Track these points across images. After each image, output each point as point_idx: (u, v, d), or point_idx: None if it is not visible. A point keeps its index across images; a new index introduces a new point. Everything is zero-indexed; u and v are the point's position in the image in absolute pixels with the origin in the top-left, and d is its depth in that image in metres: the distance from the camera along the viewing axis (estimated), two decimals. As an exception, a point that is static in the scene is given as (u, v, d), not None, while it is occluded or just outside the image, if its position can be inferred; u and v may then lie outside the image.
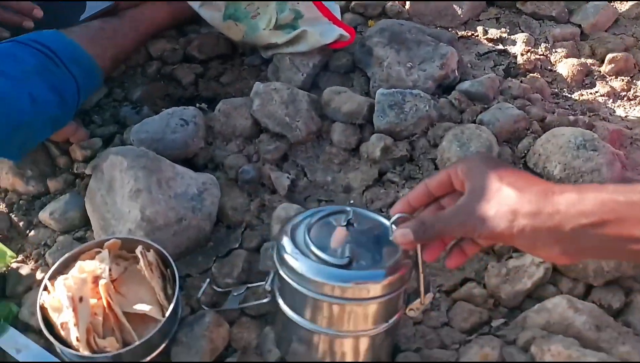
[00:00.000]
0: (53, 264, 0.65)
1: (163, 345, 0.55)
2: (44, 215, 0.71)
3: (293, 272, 0.48)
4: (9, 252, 0.63)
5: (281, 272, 0.49)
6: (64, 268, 0.57)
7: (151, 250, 0.58)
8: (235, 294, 0.60)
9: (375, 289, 0.47)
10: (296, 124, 0.79)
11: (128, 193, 0.63)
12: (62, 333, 0.52)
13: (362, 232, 0.52)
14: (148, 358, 0.54)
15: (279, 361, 0.54)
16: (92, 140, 0.80)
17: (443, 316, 0.61)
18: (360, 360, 0.52)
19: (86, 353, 0.51)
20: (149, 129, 0.75)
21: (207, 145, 0.80)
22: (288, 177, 0.76)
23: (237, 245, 0.68)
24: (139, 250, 0.58)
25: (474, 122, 0.79)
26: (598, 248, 0.41)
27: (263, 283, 0.55)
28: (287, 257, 0.49)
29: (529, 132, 0.79)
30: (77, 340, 0.51)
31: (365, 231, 0.52)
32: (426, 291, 0.50)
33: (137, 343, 0.52)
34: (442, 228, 0.46)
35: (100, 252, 0.57)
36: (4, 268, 0.63)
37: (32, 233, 0.72)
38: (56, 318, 0.53)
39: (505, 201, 0.42)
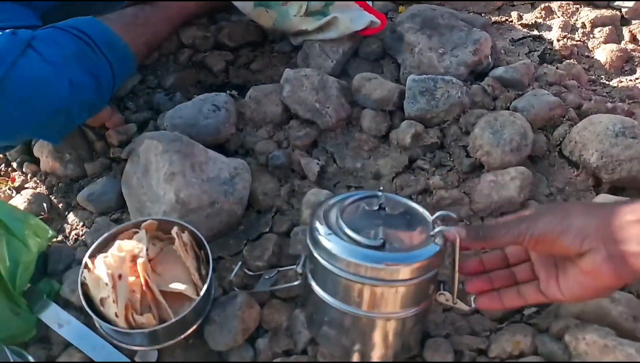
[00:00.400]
0: (92, 244, 0.68)
1: (197, 324, 0.57)
2: (81, 198, 0.73)
3: (326, 253, 0.49)
4: (51, 231, 0.65)
5: (314, 254, 0.50)
6: (103, 247, 0.59)
7: (186, 232, 0.60)
8: (266, 277, 0.61)
9: (407, 271, 0.47)
10: (326, 110, 0.79)
11: (163, 176, 0.65)
12: (102, 309, 0.54)
13: (394, 217, 0.52)
14: (182, 336, 0.56)
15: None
16: (127, 125, 0.82)
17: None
18: (390, 343, 0.52)
19: (124, 328, 0.53)
20: (183, 115, 0.77)
21: (237, 131, 0.81)
22: (318, 163, 0.76)
23: (267, 229, 0.69)
24: (174, 230, 0.59)
25: (508, 109, 0.78)
26: None
27: (294, 266, 0.56)
28: (320, 239, 0.49)
29: (564, 119, 0.77)
30: (116, 315, 0.53)
31: (397, 216, 0.53)
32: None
33: (173, 320, 0.53)
34: (496, 231, 0.48)
35: (137, 232, 0.59)
36: (46, 245, 0.66)
37: (71, 214, 0.74)
38: (96, 295, 0.55)
39: (575, 220, 0.44)
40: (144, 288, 0.55)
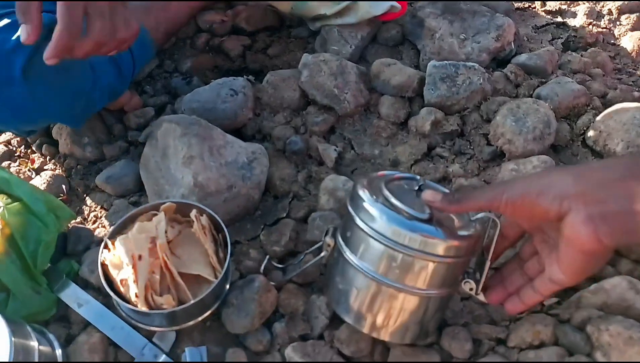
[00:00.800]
0: (111, 225, 0.69)
1: (215, 306, 0.57)
2: (100, 180, 0.74)
3: (370, 218, 0.49)
4: (70, 212, 0.66)
5: (356, 219, 0.50)
6: (122, 229, 0.59)
7: (204, 215, 0.59)
8: (294, 263, 0.62)
9: (448, 247, 0.48)
10: (344, 96, 0.78)
11: (181, 159, 0.65)
12: (122, 289, 0.55)
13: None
14: (200, 318, 0.56)
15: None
16: (145, 109, 0.82)
17: (492, 292, 0.60)
18: (409, 322, 0.52)
19: (143, 308, 0.53)
20: (200, 99, 0.76)
21: (255, 116, 0.81)
22: (335, 149, 0.76)
23: (284, 215, 0.68)
24: (193, 213, 0.59)
25: (530, 96, 0.76)
26: None
27: (319, 243, 0.56)
28: (365, 205, 0.49)
29: (589, 108, 0.76)
30: (136, 296, 0.53)
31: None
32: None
33: (192, 302, 0.54)
34: (471, 193, 0.47)
35: (156, 214, 0.59)
36: (66, 226, 0.66)
37: (89, 196, 0.75)
38: (116, 275, 0.55)
39: (554, 180, 0.42)
40: (163, 269, 0.55)
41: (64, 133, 0.81)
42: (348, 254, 0.52)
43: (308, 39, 0.95)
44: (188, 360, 0.54)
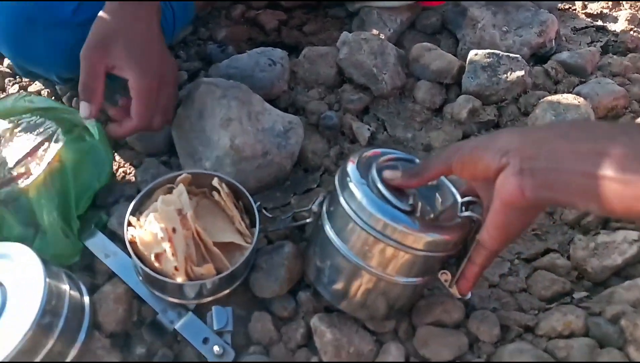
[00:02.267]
0: (141, 182, 0.68)
1: (247, 272, 0.56)
2: (131, 137, 0.73)
3: (353, 200, 0.48)
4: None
5: (340, 197, 0.49)
6: (140, 206, 0.57)
7: (223, 183, 0.59)
8: (283, 218, 0.61)
9: (421, 240, 0.46)
10: (383, 76, 0.77)
11: (219, 121, 0.64)
12: (157, 265, 0.53)
13: (427, 188, 0.51)
14: (235, 285, 0.56)
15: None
16: (179, 72, 0.81)
17: (522, 282, 0.60)
18: (378, 304, 0.52)
19: (187, 281, 0.52)
20: (239, 66, 0.76)
21: (289, 89, 0.80)
22: (369, 129, 0.75)
23: (315, 186, 0.68)
24: (215, 181, 0.58)
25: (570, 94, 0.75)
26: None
27: (309, 206, 0.55)
28: (351, 184, 0.48)
29: (627, 111, 0.75)
30: (176, 269, 0.52)
31: (430, 188, 0.52)
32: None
33: (232, 267, 0.53)
34: (429, 161, 0.47)
35: (171, 188, 0.58)
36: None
37: (118, 153, 0.74)
38: (149, 251, 0.53)
39: (501, 136, 0.42)
40: (197, 240, 0.54)
41: (95, 88, 0.80)
42: (328, 228, 0.51)
43: (345, 19, 0.95)
44: (214, 318, 0.54)
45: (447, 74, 0.78)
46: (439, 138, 0.75)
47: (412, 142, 0.76)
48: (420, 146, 0.75)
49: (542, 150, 0.39)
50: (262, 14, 0.96)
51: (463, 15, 0.85)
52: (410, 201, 0.48)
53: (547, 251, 0.63)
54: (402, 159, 0.53)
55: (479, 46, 0.82)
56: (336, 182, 0.51)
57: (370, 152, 0.53)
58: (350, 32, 0.89)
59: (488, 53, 0.76)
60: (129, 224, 0.55)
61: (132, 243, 0.54)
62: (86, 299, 0.53)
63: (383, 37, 0.81)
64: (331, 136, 0.75)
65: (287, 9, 0.97)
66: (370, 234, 0.47)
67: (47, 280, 0.47)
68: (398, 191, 0.49)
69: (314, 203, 0.55)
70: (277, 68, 0.77)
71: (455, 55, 0.86)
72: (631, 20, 0.93)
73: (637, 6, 0.96)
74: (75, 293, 0.52)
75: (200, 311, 0.57)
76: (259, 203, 0.59)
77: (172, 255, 0.52)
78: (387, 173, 0.49)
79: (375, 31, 0.86)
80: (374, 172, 0.49)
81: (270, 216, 0.60)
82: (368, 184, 0.48)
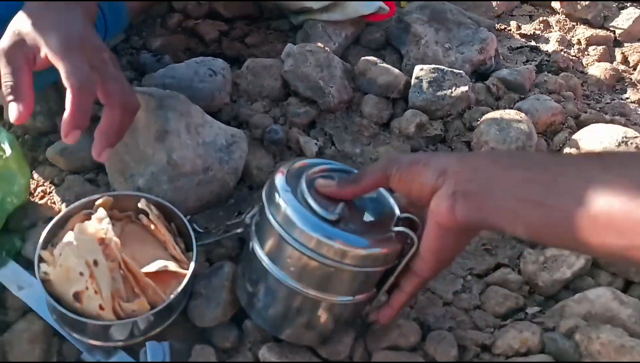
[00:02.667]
0: (62, 202, 0.61)
1: (184, 303, 0.51)
2: (52, 152, 0.65)
3: (275, 207, 0.45)
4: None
5: (265, 203, 0.46)
6: (52, 237, 0.50)
7: (151, 205, 0.53)
8: (213, 231, 0.56)
9: (340, 252, 0.43)
10: (329, 89, 0.75)
11: (154, 133, 0.59)
12: (78, 305, 0.46)
13: (362, 199, 0.49)
14: (171, 320, 0.50)
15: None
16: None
17: (475, 299, 0.59)
18: (303, 321, 0.48)
19: (111, 320, 0.46)
20: (176, 75, 0.70)
21: (231, 102, 0.76)
22: (316, 143, 0.72)
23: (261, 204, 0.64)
24: (142, 203, 0.53)
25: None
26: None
27: (242, 217, 0.52)
28: (275, 193, 0.45)
29: (564, 126, 0.78)
30: (101, 308, 0.45)
31: (365, 199, 0.49)
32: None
33: (171, 297, 0.47)
34: (365, 170, 0.46)
35: (88, 214, 0.52)
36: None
37: (37, 170, 0.66)
38: (66, 290, 0.46)
39: (440, 157, 0.43)
40: (124, 272, 0.47)
41: (10, 98, 0.72)
42: (254, 242, 0.47)
43: (288, 32, 0.93)
44: (149, 356, 0.47)
45: (394, 89, 0.77)
46: (387, 152, 0.74)
47: (360, 157, 0.74)
48: (369, 160, 0.73)
49: (478, 174, 0.40)
50: (201, 23, 0.91)
51: (406, 31, 0.86)
52: (338, 211, 0.45)
53: (498, 266, 0.62)
54: (338, 170, 0.50)
55: (423, 62, 0.82)
56: (263, 193, 0.47)
57: (301, 162, 0.50)
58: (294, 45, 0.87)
59: (433, 68, 0.76)
60: (41, 259, 0.48)
61: (46, 282, 0.47)
62: None
63: (329, 50, 0.79)
64: (277, 150, 0.71)
65: (227, 19, 0.93)
66: (290, 244, 0.44)
67: None
68: (329, 201, 0.46)
69: (247, 213, 0.51)
70: (218, 79, 0.72)
71: (400, 70, 0.86)
72: (561, 41, 0.98)
73: (565, 28, 1.02)
74: None
75: (132, 348, 0.50)
76: (188, 216, 0.54)
77: (95, 292, 0.45)
78: (320, 181, 0.47)
79: (320, 44, 0.84)
80: (302, 181, 0.46)
81: (201, 230, 0.55)
82: (294, 193, 0.45)
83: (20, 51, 0.49)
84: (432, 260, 0.44)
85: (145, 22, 0.91)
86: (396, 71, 0.78)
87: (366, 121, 0.77)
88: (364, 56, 0.87)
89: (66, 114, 0.47)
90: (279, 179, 0.46)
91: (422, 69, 0.77)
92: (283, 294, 0.47)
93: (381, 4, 0.85)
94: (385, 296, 0.50)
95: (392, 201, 0.50)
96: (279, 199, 0.45)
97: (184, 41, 0.89)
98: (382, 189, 0.50)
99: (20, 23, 0.51)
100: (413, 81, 0.76)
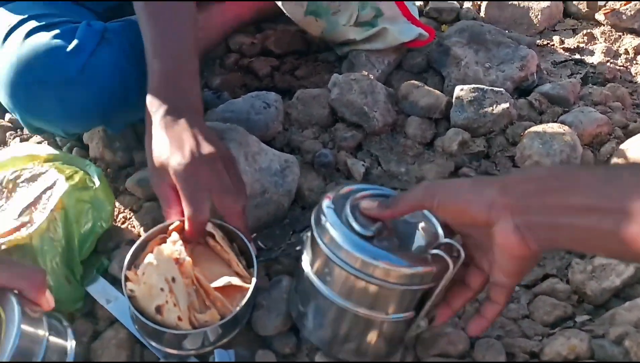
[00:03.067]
0: (141, 226, 0.69)
1: (248, 315, 0.56)
2: (131, 182, 0.74)
3: (319, 225, 0.49)
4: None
5: (314, 230, 0.50)
6: (134, 259, 0.57)
7: (216, 228, 0.59)
8: (276, 248, 0.61)
9: (380, 270, 0.46)
10: (374, 114, 0.80)
11: (217, 162, 0.66)
12: (159, 317, 0.52)
13: (405, 222, 0.51)
14: (237, 330, 0.55)
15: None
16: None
17: (523, 309, 0.60)
18: (357, 338, 0.51)
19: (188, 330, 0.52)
20: (234, 109, 0.78)
21: (284, 130, 0.83)
22: (363, 164, 0.77)
23: (314, 223, 0.69)
24: (210, 226, 0.58)
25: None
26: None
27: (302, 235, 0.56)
28: (322, 217, 0.49)
29: (611, 137, 0.78)
30: (179, 319, 0.51)
31: (409, 223, 0.51)
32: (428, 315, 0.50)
33: (237, 308, 0.53)
34: (403, 195, 0.49)
35: (164, 237, 0.58)
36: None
37: (118, 199, 0.75)
38: (149, 305, 0.52)
39: (482, 189, 0.44)
40: (197, 287, 0.54)
41: (95, 138, 0.82)
42: (304, 262, 0.51)
43: (335, 62, 0.99)
44: (217, 361, 0.53)
45: (436, 110, 0.81)
46: (431, 170, 0.77)
47: (406, 176, 0.78)
48: (414, 179, 0.77)
49: (531, 204, 0.41)
50: (255, 61, 1.00)
51: (447, 54, 0.89)
52: (373, 228, 0.48)
53: (546, 277, 0.63)
54: (380, 195, 0.53)
55: (464, 82, 0.86)
56: (312, 217, 0.51)
57: (347, 188, 0.53)
58: (340, 74, 0.93)
59: (473, 88, 0.79)
60: (126, 279, 0.55)
61: (132, 298, 0.54)
62: (70, 344, 0.51)
63: (372, 77, 0.84)
64: (327, 173, 0.76)
65: (278, 55, 1.01)
66: (350, 273, 0.47)
67: (22, 326, 0.46)
68: (370, 221, 0.49)
69: (304, 233, 0.55)
70: (271, 110, 0.79)
71: (442, 91, 0.89)
72: (607, 52, 0.97)
73: (611, 39, 1.02)
74: (56, 339, 0.50)
75: (204, 357, 0.56)
76: (254, 234, 0.59)
77: (174, 305, 0.52)
78: (364, 203, 0.50)
79: (364, 72, 0.90)
80: (347, 203, 0.50)
81: (264, 247, 0.61)
82: (338, 213, 0.49)
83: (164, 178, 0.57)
84: (514, 277, 0.46)
85: (205, 63, 1.01)
86: (437, 92, 0.82)
87: (410, 142, 0.81)
88: (406, 80, 0.92)
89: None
90: (326, 203, 0.50)
91: (462, 89, 0.80)
92: (332, 313, 0.50)
93: (421, 30, 0.90)
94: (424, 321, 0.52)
95: (439, 227, 0.51)
96: (325, 222, 0.49)
97: (240, 78, 0.97)
98: (428, 213, 0.52)
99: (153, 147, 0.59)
100: (454, 101, 0.80)
